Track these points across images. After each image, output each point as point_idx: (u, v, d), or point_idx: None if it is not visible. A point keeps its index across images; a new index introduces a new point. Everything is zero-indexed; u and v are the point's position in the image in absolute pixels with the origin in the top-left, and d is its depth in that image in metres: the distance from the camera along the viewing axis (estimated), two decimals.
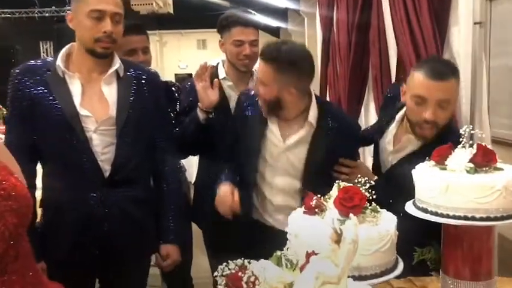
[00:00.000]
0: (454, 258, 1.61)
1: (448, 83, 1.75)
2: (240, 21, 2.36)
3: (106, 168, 1.82)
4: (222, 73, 2.42)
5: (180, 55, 18.13)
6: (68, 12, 1.82)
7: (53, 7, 10.49)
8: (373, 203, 1.46)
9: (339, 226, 1.03)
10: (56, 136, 1.79)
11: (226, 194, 1.95)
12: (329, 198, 1.47)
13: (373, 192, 1.45)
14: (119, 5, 1.79)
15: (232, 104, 2.30)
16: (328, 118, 1.99)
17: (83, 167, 1.79)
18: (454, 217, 1.49)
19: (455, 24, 2.09)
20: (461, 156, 1.56)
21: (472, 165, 1.51)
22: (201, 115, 2.23)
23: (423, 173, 1.58)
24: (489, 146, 1.55)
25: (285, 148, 2.01)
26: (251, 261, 1.09)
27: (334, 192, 1.47)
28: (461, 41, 2.05)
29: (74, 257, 1.81)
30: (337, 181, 1.52)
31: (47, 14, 10.54)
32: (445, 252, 1.67)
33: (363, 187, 1.46)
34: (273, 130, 2.01)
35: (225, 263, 1.10)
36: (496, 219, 1.47)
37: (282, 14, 11.87)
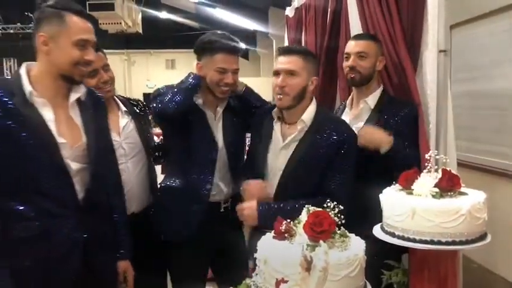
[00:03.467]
0: (421, 281, 1.63)
1: (363, 41, 2.28)
2: (226, 48, 2.26)
3: (80, 193, 1.80)
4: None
5: (149, 74, 18.05)
6: (41, 34, 1.73)
7: (18, 24, 10.31)
8: (341, 227, 1.47)
9: (309, 253, 1.02)
10: (32, 165, 1.70)
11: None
12: (298, 223, 1.47)
13: (342, 217, 1.46)
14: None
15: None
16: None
17: (60, 194, 1.75)
18: (421, 241, 1.51)
19: (426, 50, 2.16)
20: (427, 180, 1.60)
21: (437, 189, 1.55)
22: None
23: (390, 198, 1.61)
24: (454, 170, 1.58)
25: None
26: None
27: (303, 216, 1.47)
28: (427, 68, 2.11)
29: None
30: (306, 205, 1.52)
31: (11, 31, 10.36)
32: (412, 276, 1.68)
33: (332, 212, 1.46)
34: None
35: None
36: (461, 243, 1.50)
37: (251, 36, 12.02)
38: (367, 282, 1.48)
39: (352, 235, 1.49)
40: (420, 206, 1.50)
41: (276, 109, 2.12)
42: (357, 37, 2.38)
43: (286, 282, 1.06)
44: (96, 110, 1.93)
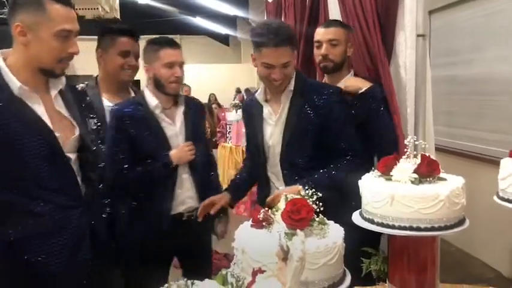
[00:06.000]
0: (400, 268, 1.63)
1: (333, 29, 2.29)
2: (266, 43, 2.05)
3: (80, 183, 1.78)
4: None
5: None
6: (17, 24, 1.57)
7: None
8: (320, 215, 1.45)
9: (286, 242, 0.99)
10: (35, 161, 1.63)
11: None
12: (277, 211, 1.45)
13: (321, 204, 1.44)
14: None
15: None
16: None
17: (64, 186, 1.72)
18: (400, 227, 1.50)
19: (401, 35, 2.15)
20: (406, 166, 1.58)
21: (416, 175, 1.54)
22: None
23: (369, 184, 1.59)
24: (433, 155, 1.58)
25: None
26: (194, 281, 1.04)
27: (282, 204, 1.45)
28: (405, 52, 2.10)
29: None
30: (284, 193, 1.50)
31: None
32: (391, 262, 1.68)
33: (310, 199, 1.44)
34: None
35: (166, 285, 1.04)
36: (439, 228, 1.49)
37: (231, 21, 11.91)
38: (347, 270, 1.47)
39: (331, 222, 1.48)
40: (399, 192, 1.49)
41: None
42: (327, 24, 2.39)
43: (262, 272, 1.04)
44: (76, 98, 1.84)
